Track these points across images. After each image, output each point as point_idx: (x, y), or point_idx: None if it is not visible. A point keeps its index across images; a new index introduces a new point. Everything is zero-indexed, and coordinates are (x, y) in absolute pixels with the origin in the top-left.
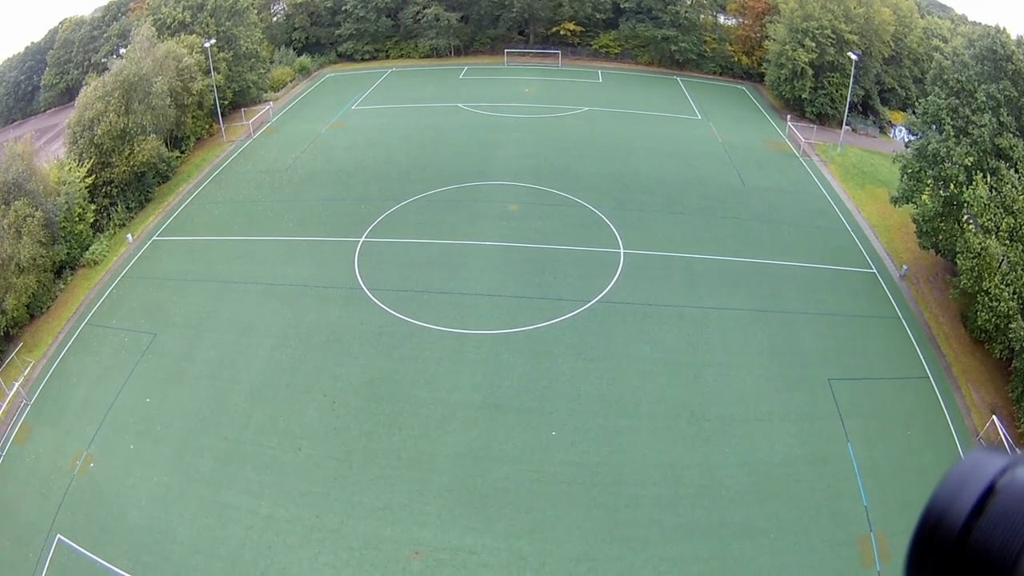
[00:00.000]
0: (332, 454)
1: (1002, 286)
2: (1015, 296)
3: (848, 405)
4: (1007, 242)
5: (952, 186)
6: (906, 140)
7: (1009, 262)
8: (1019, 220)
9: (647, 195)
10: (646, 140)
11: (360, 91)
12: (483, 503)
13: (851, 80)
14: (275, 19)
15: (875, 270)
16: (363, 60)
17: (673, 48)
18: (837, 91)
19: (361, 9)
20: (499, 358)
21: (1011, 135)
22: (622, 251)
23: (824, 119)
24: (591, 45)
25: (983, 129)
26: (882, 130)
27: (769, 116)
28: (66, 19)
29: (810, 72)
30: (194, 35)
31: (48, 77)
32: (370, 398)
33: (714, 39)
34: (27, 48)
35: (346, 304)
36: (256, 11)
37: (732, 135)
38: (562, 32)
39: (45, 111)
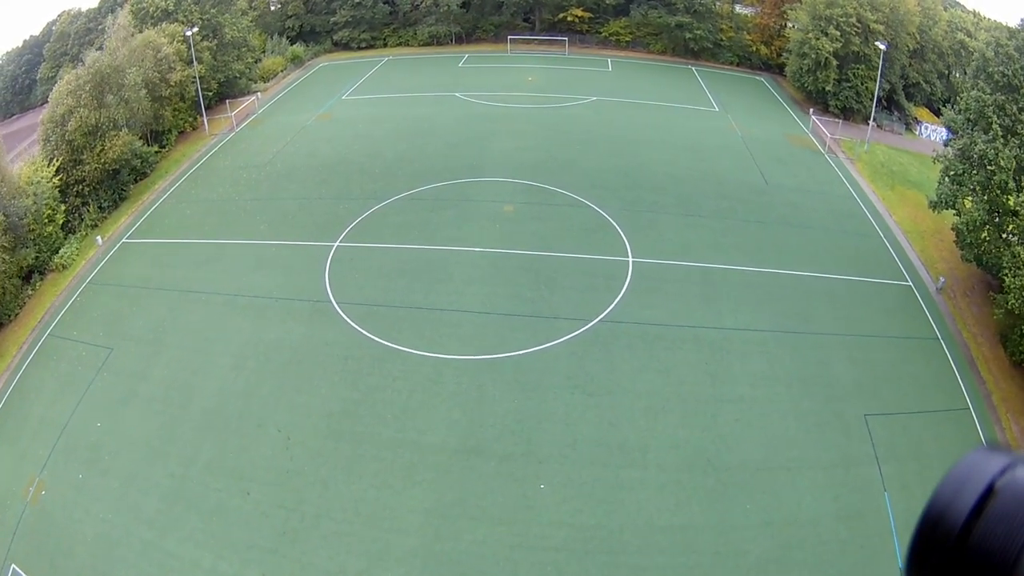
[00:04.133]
0: (283, 502)
1: None
2: None
3: (886, 446)
4: None
5: (999, 193)
6: (945, 139)
7: None
8: None
9: (659, 194)
10: (658, 132)
11: (353, 80)
12: (454, 573)
13: (879, 72)
14: (273, 8)
15: (910, 282)
16: (359, 49)
17: (687, 36)
18: (863, 84)
19: None
20: (482, 390)
21: None
22: (631, 260)
23: (849, 114)
24: (600, 32)
25: None
26: (908, 127)
27: (791, 109)
28: (64, 12)
29: (834, 63)
30: (176, 23)
31: (44, 70)
32: (329, 436)
33: (730, 27)
34: (25, 42)
35: (312, 320)
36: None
37: (752, 128)
38: (569, 18)
39: (42, 105)
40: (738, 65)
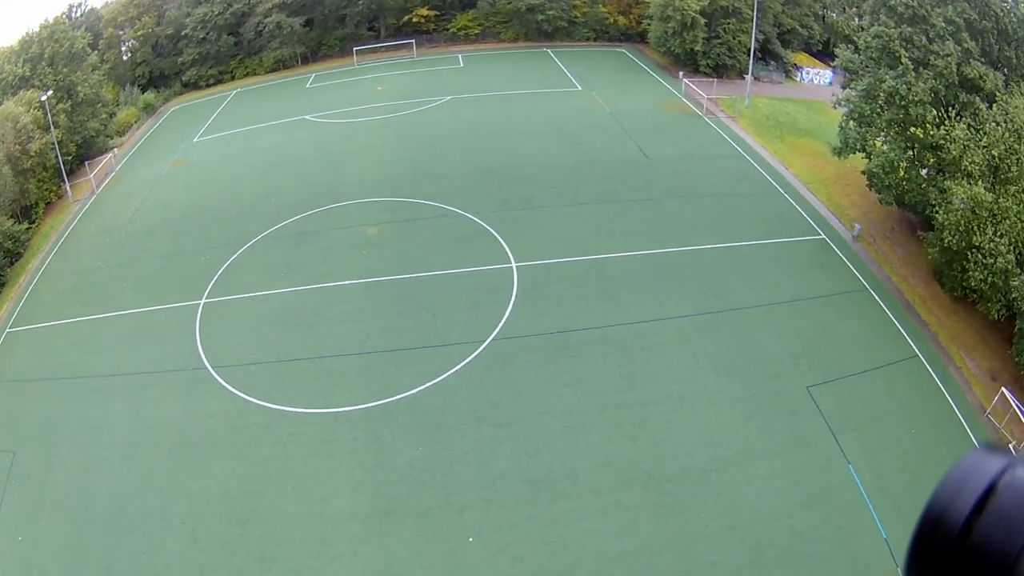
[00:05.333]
0: None
1: (996, 238)
2: (1012, 248)
3: (837, 416)
4: (994, 188)
5: (919, 128)
6: (830, 80)
7: (1000, 209)
8: (1005, 160)
9: (533, 188)
10: (522, 123)
11: (203, 120)
12: None
13: (753, 23)
14: (125, 58)
15: (823, 235)
16: (208, 86)
17: (540, 18)
18: (734, 38)
19: (201, 31)
20: (380, 442)
21: (979, 63)
22: (514, 265)
23: (722, 71)
24: (448, 29)
25: (948, 59)
26: (788, 75)
27: (659, 76)
28: None
29: (702, 21)
30: (32, 89)
31: None
32: (233, 520)
33: (585, 3)
34: None
35: (190, 392)
36: (100, 53)
37: (620, 102)
38: (415, 19)
39: None
40: (596, 40)
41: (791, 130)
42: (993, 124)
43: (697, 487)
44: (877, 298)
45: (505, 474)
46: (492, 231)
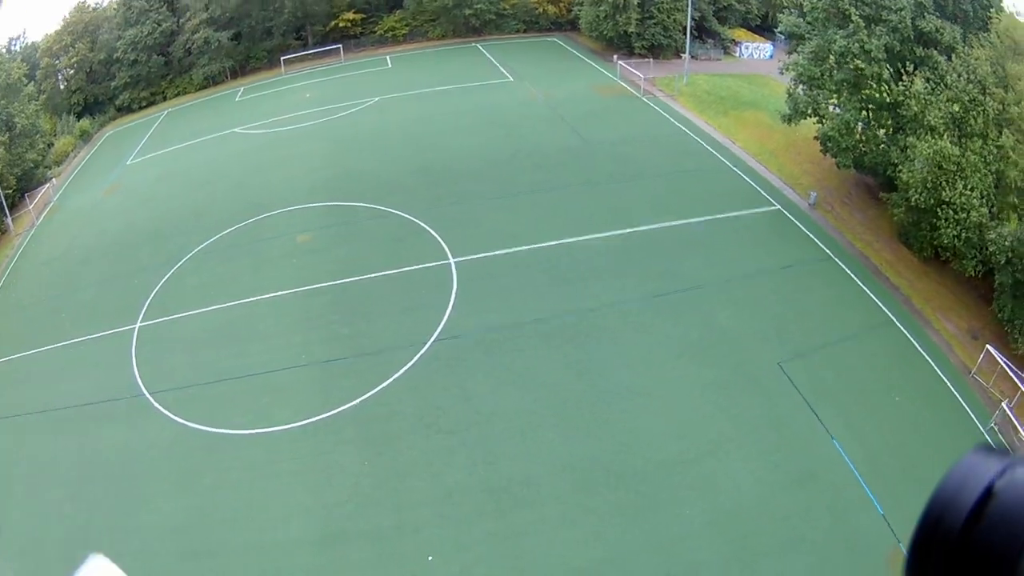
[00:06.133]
0: None
1: (967, 192)
2: (984, 201)
3: (814, 390)
4: (960, 141)
5: (875, 88)
6: (770, 54)
7: (968, 162)
8: (970, 111)
9: (469, 181)
10: (453, 118)
11: (136, 143)
12: None
13: (688, 2)
14: (62, 87)
15: (779, 205)
16: (141, 108)
17: (468, 13)
18: (669, 17)
19: (132, 52)
20: (326, 459)
21: (934, 17)
22: (452, 261)
23: (658, 51)
24: (375, 32)
25: (901, 13)
26: (726, 51)
27: (592, 61)
28: None
29: (635, 2)
30: None
31: None
32: (186, 558)
33: None
34: None
35: (130, 421)
36: (37, 84)
37: (554, 91)
38: (342, 24)
39: None
40: (526, 32)
41: (734, 104)
42: (954, 76)
43: (669, 482)
44: (842, 265)
45: (460, 486)
46: (428, 228)
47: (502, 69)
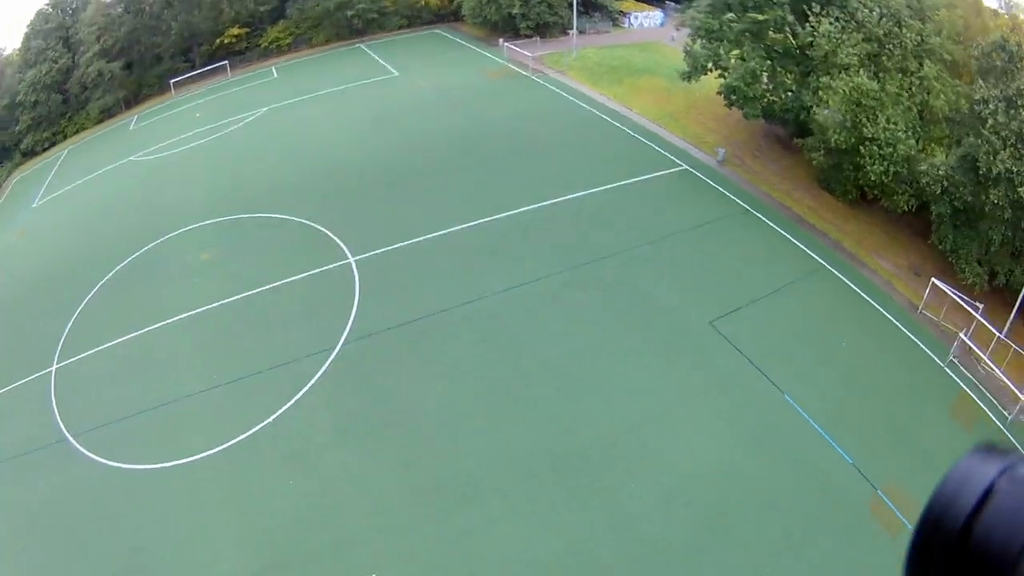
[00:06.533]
0: None
1: (890, 125)
2: (909, 132)
3: (755, 346)
4: (877, 76)
5: (778, 34)
6: (661, 21)
7: (889, 95)
8: (887, 44)
9: (360, 178)
10: (341, 119)
11: (40, 185)
12: None
13: None
14: None
15: (685, 165)
16: (44, 150)
17: (350, 14)
18: None
19: (33, 94)
20: (249, 483)
21: None
22: (352, 260)
23: (545, 30)
24: (260, 45)
25: None
26: (615, 23)
27: (477, 47)
28: None
29: None
30: None
31: None
32: None
33: None
34: None
35: (55, 467)
36: None
37: (441, 79)
38: (228, 40)
39: None
40: (410, 27)
41: (627, 72)
42: (866, 12)
43: (615, 458)
44: (762, 217)
45: (392, 492)
46: (324, 230)
47: (387, 65)
